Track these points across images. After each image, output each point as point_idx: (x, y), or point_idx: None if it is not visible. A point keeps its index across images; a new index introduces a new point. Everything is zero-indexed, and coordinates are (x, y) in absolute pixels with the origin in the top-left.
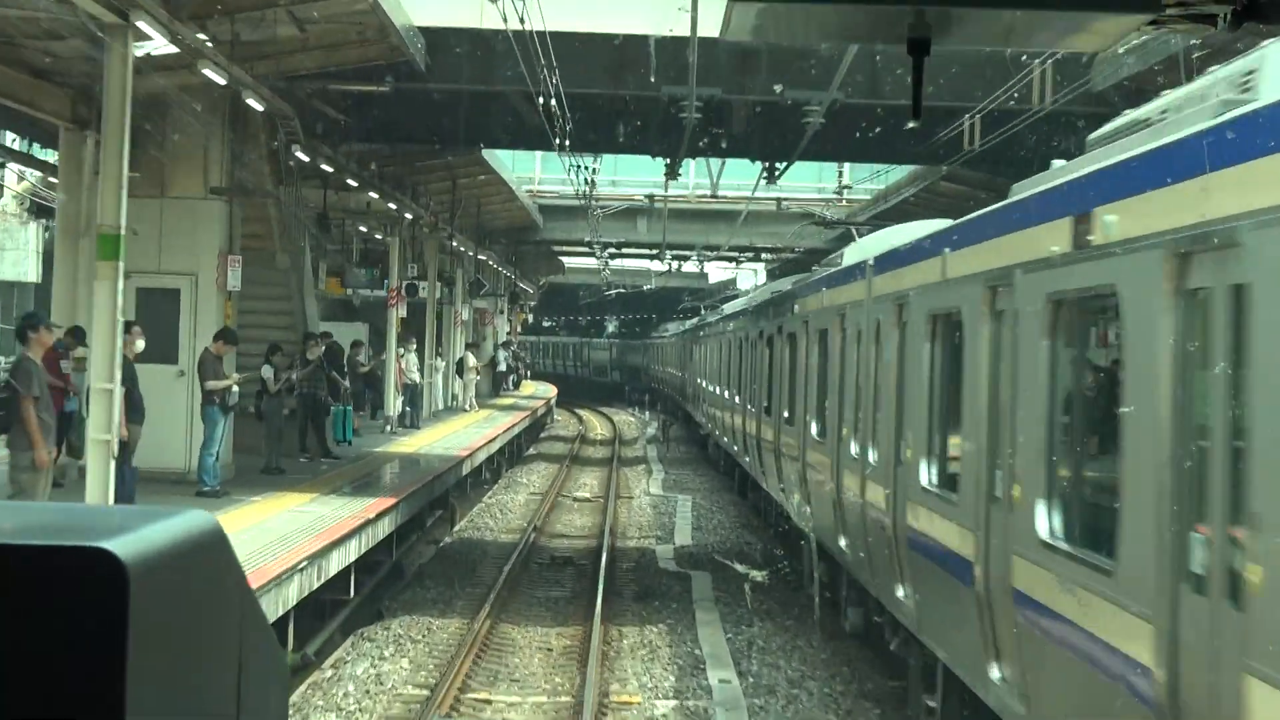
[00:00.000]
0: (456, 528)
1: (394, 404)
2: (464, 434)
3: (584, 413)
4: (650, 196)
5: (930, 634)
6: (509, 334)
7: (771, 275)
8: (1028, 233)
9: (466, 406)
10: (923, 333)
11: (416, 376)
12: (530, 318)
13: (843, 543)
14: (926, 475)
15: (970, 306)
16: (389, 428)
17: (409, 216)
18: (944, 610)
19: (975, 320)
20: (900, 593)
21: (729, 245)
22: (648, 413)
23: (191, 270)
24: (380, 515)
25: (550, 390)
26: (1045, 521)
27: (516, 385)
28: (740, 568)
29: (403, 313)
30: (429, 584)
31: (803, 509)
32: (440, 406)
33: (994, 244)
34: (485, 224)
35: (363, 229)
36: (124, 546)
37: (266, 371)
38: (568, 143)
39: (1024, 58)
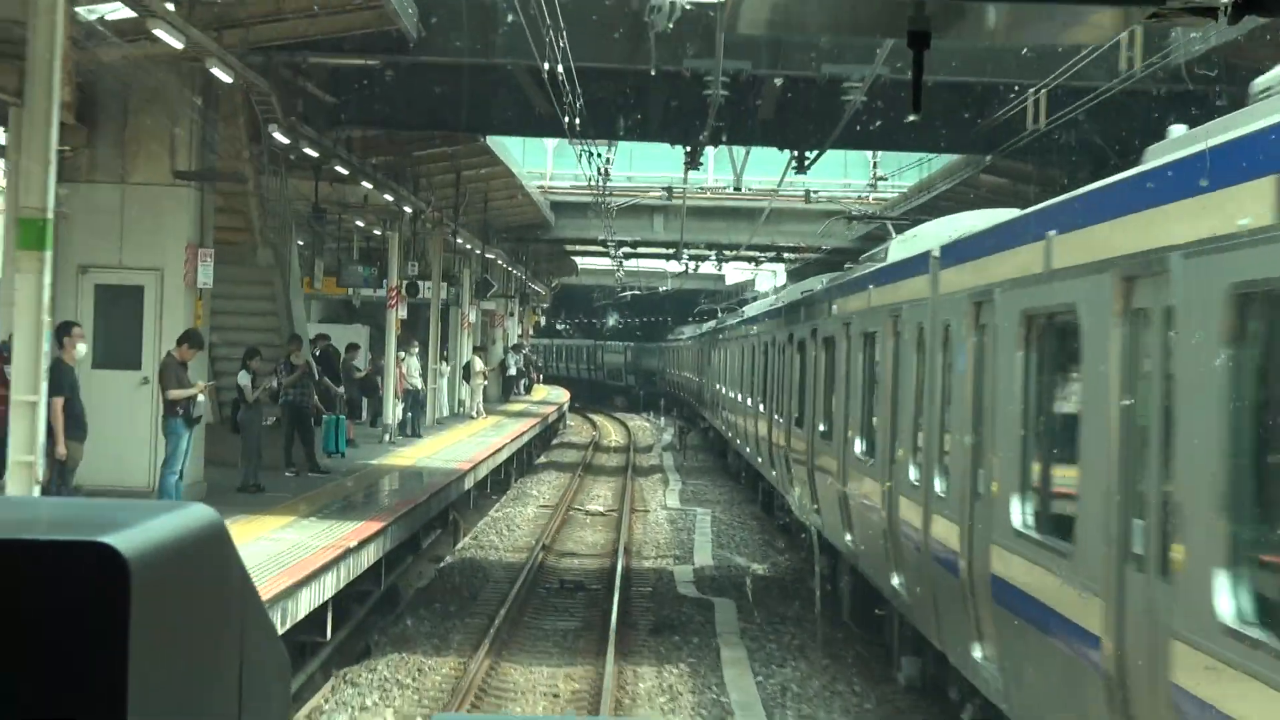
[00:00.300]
0: (460, 545)
1: (394, 411)
2: (469, 443)
3: (598, 418)
4: (669, 189)
5: (1026, 713)
6: (520, 337)
7: (793, 277)
8: (1199, 202)
9: (473, 413)
10: (1013, 337)
11: (418, 382)
12: (542, 320)
13: (896, 582)
14: (1020, 515)
15: (1092, 304)
16: (388, 437)
17: (409, 211)
18: (1051, 691)
19: (1101, 322)
20: (978, 653)
21: (749, 244)
22: (663, 418)
23: (157, 265)
24: (365, 542)
25: (563, 395)
26: (1228, 600)
27: (528, 390)
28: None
29: (403, 314)
30: (424, 613)
31: (842, 536)
32: (445, 413)
33: (1132, 221)
34: (493, 220)
35: (360, 224)
36: (125, 541)
37: (243, 378)
38: (578, 125)
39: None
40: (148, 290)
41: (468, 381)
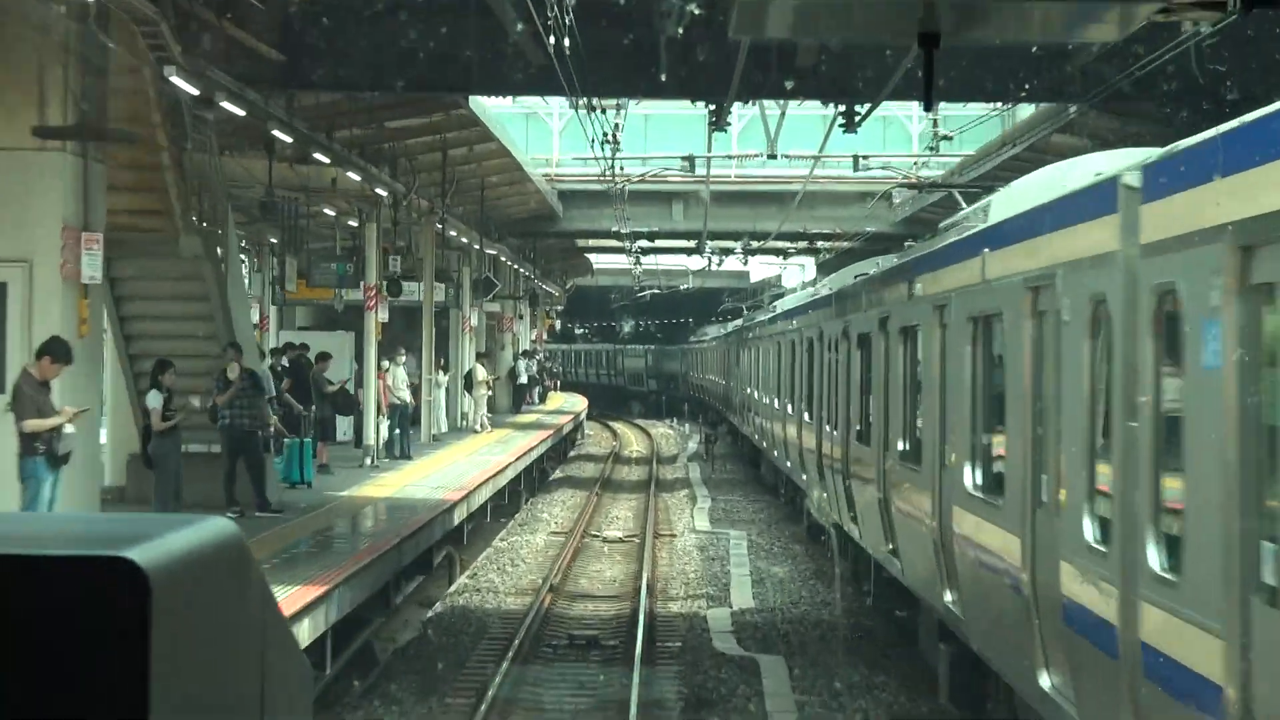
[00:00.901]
0: (456, 584)
1: (377, 430)
2: (466, 464)
3: (619, 426)
4: (689, 158)
5: None
6: (533, 342)
7: (824, 270)
8: None
9: (477, 427)
10: None
11: (406, 395)
12: (557, 324)
13: (1046, 683)
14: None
15: None
16: (371, 460)
17: (386, 195)
18: None
19: None
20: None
21: (779, 232)
22: (687, 424)
23: (22, 255)
24: (296, 617)
25: (579, 403)
26: None
27: (542, 399)
28: None
29: (383, 316)
30: (395, 690)
31: (938, 593)
32: (444, 429)
33: None
34: (493, 211)
35: (331, 213)
36: (145, 555)
37: (153, 399)
38: (579, 82)
39: None
40: (12, 287)
41: (469, 392)
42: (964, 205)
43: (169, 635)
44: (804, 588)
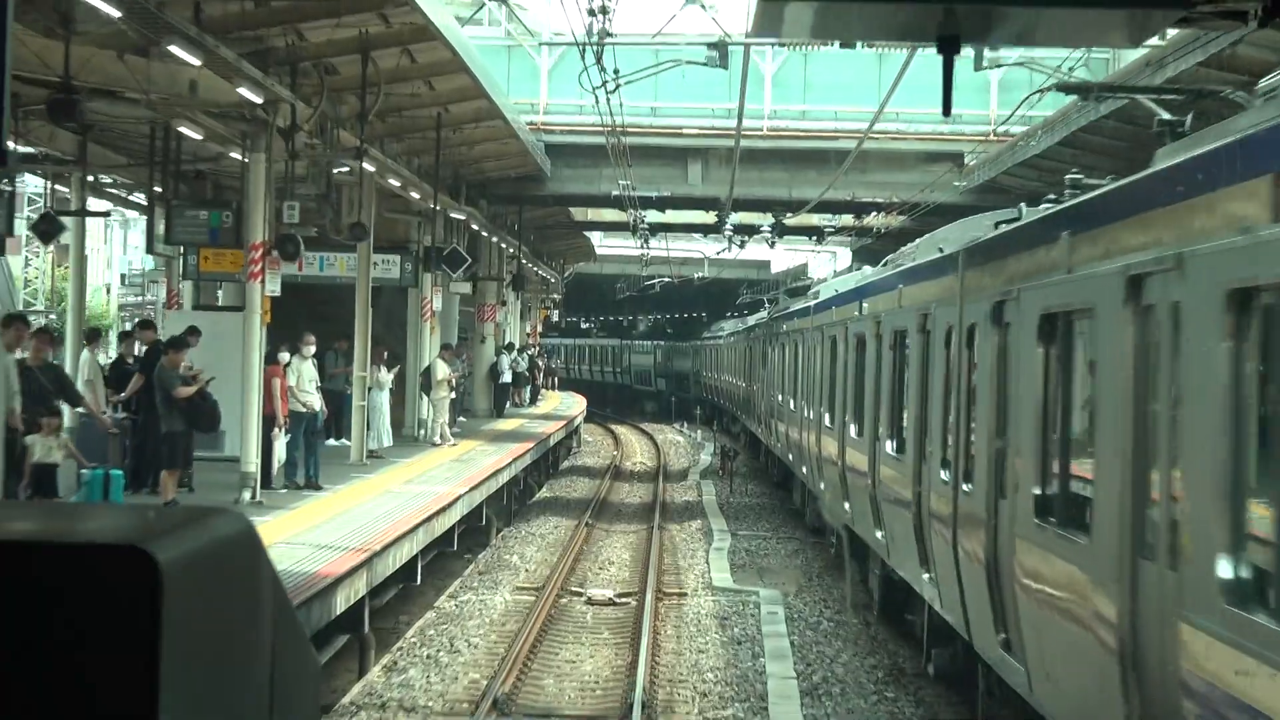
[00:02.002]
0: (361, 685)
1: (263, 449)
2: (394, 500)
3: (621, 430)
4: (719, 45)
5: None
6: (528, 335)
7: (861, 259)
8: None
9: (437, 439)
10: None
11: (314, 400)
12: (554, 315)
13: None
14: None
15: None
16: (249, 495)
17: (263, 109)
18: None
19: None
20: None
21: (820, 201)
22: (699, 430)
23: None
24: None
25: (577, 404)
26: None
27: (533, 399)
28: None
29: (273, 288)
30: None
31: None
32: (387, 442)
33: None
34: (464, 166)
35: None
36: (158, 546)
37: None
38: None
39: None
40: None
41: (427, 395)
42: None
43: (180, 626)
44: (880, 697)
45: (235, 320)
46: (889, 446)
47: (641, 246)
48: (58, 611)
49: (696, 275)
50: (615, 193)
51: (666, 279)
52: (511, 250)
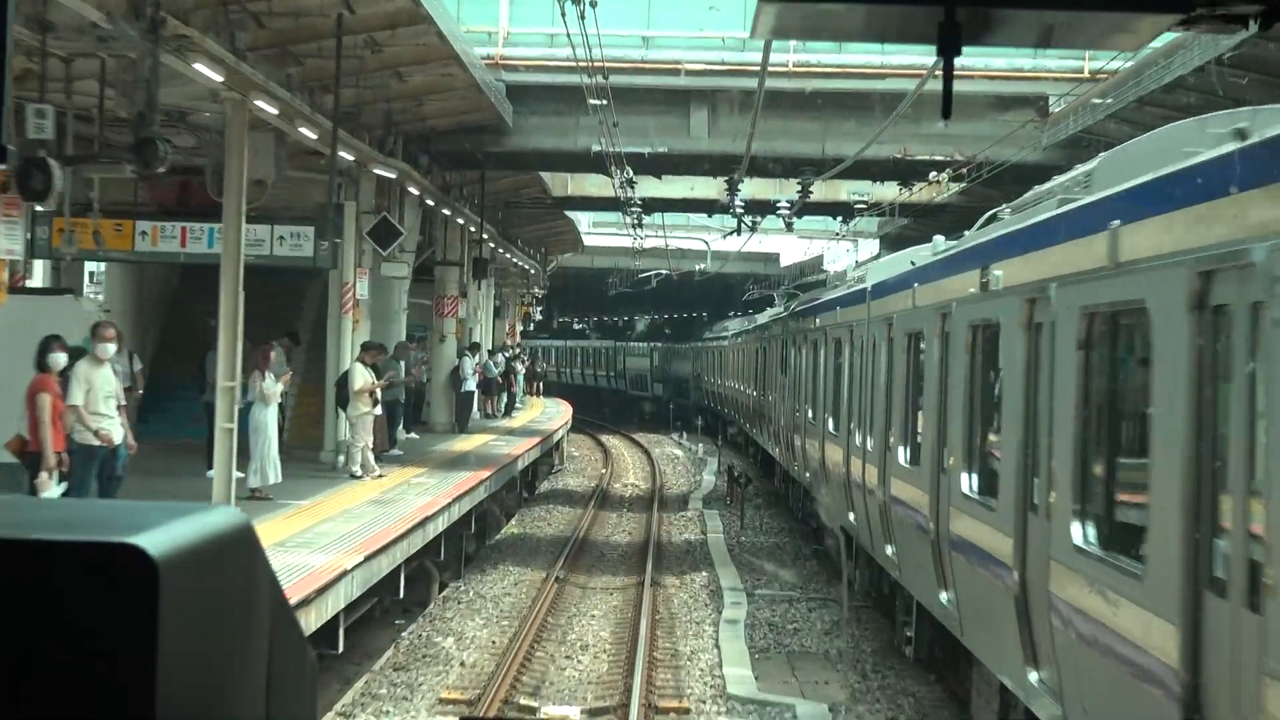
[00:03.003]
0: None
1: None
2: None
3: (612, 442)
4: None
5: None
6: (507, 335)
7: (890, 245)
8: None
9: (356, 469)
10: None
11: (114, 429)
12: (537, 313)
13: None
14: None
15: None
16: None
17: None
18: None
19: None
20: None
21: (856, 158)
22: (700, 444)
23: None
24: None
25: (561, 414)
26: None
27: (509, 410)
28: None
29: (11, 246)
30: None
31: None
32: (274, 478)
33: None
34: (391, 101)
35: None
36: (154, 542)
37: None
38: None
39: None
40: None
41: (342, 410)
42: None
43: (177, 622)
44: None
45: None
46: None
47: (633, 228)
48: (54, 608)
49: (698, 267)
50: (596, 148)
51: (664, 271)
52: (474, 229)
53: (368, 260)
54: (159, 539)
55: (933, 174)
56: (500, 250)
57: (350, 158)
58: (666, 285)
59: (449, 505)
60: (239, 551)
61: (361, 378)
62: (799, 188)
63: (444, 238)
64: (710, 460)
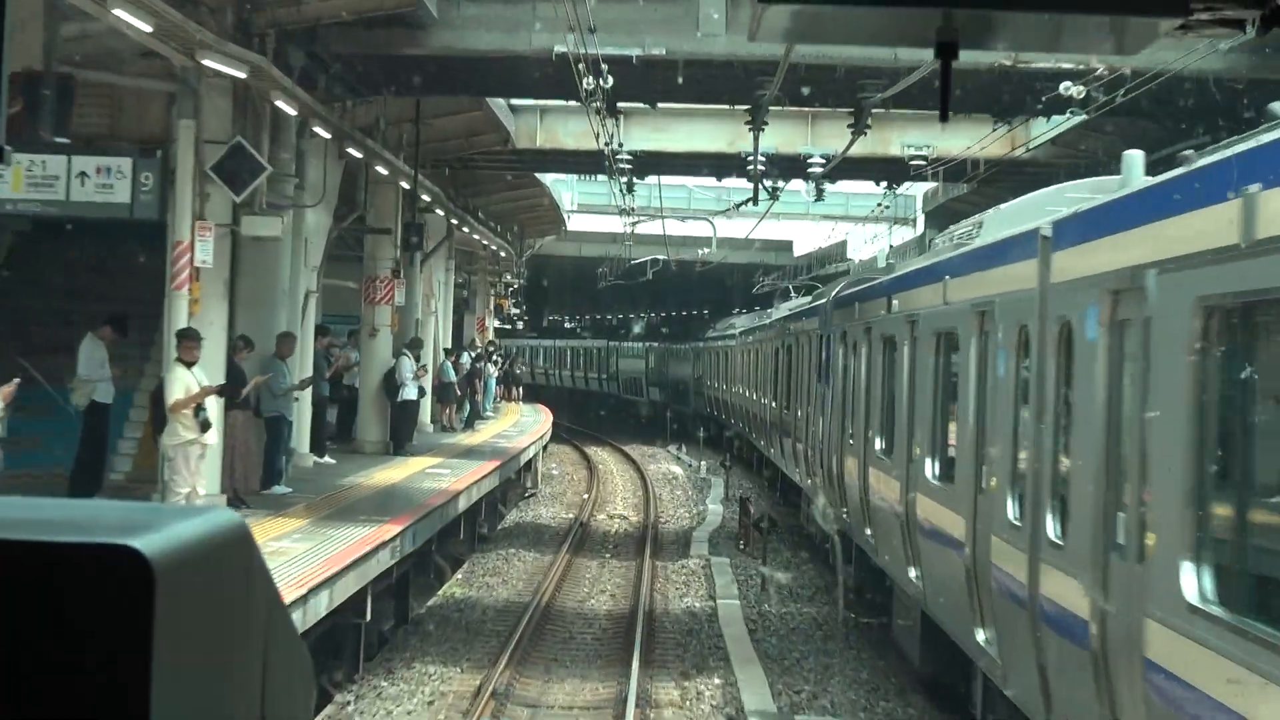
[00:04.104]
0: None
1: None
2: None
3: (600, 456)
4: None
5: None
6: (477, 331)
7: (940, 222)
8: None
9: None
10: None
11: None
12: (512, 306)
13: None
14: None
15: None
16: None
17: None
18: None
19: None
20: None
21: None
22: (703, 459)
23: None
24: None
25: (537, 427)
26: None
27: (471, 422)
28: None
29: None
30: None
31: None
32: None
33: None
34: None
35: None
36: (150, 544)
37: None
38: None
39: None
40: None
41: (158, 436)
42: None
43: (172, 624)
44: None
45: None
46: None
47: (623, 194)
48: (49, 610)
49: (701, 252)
50: (560, 49)
51: (661, 257)
52: (406, 183)
53: (219, 211)
54: (155, 541)
55: (1068, 88)
56: (455, 223)
57: (185, 56)
58: (664, 277)
59: (307, 596)
60: (235, 553)
61: (183, 383)
62: (851, 122)
63: (367, 198)
64: (715, 481)
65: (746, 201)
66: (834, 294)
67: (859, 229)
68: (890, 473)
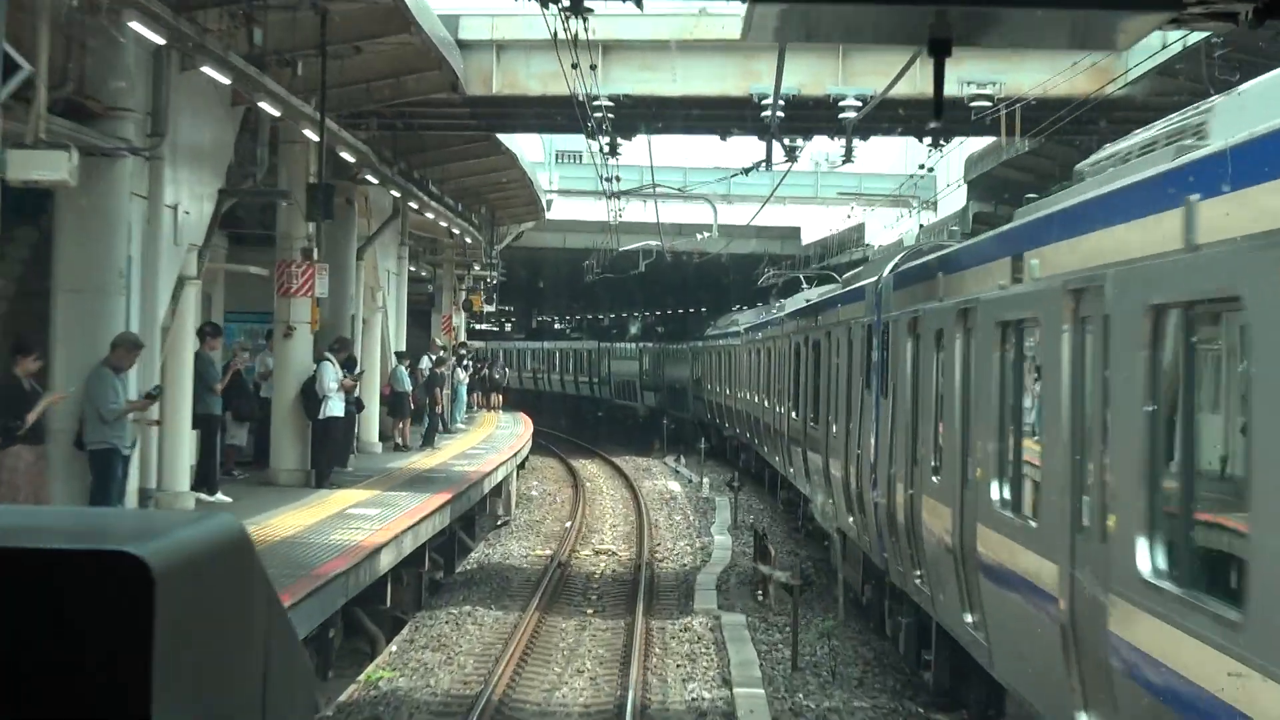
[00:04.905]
0: None
1: None
2: None
3: (588, 470)
4: None
5: None
6: (442, 331)
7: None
8: None
9: None
10: None
11: None
12: (486, 303)
13: None
14: None
15: None
16: None
17: None
18: None
19: None
20: None
21: None
22: (705, 474)
23: None
24: None
25: (511, 442)
26: None
27: (430, 438)
28: None
29: None
30: None
31: None
32: None
33: None
34: None
35: None
36: (150, 551)
37: None
38: None
39: None
40: None
41: None
42: None
43: (172, 631)
44: None
45: None
46: None
47: (604, 154)
48: (50, 616)
49: (700, 236)
50: None
51: (654, 243)
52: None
53: None
54: (155, 547)
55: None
56: (399, 196)
57: None
58: (658, 271)
59: None
60: (235, 560)
61: None
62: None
63: (263, 154)
64: (720, 502)
65: (758, 165)
66: (892, 268)
67: (874, 214)
68: (1027, 540)
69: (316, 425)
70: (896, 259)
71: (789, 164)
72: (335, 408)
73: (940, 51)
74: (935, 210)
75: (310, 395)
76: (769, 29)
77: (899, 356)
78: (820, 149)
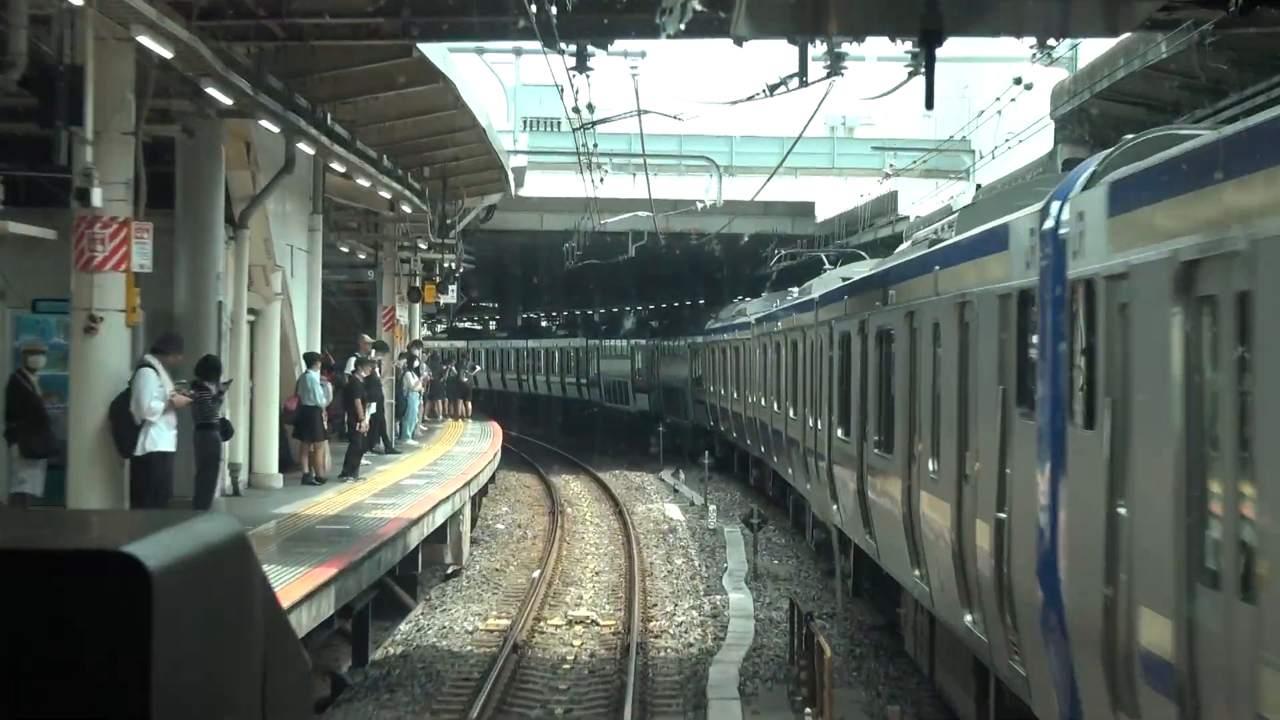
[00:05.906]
0: None
1: None
2: None
3: (569, 490)
4: None
5: None
6: (383, 328)
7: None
8: None
9: None
10: None
11: None
12: (443, 294)
13: None
14: None
15: None
16: None
17: None
18: None
19: None
20: None
21: None
22: (711, 499)
23: None
24: None
25: (468, 465)
26: None
27: (353, 468)
28: None
29: None
30: None
31: None
32: None
33: None
34: None
35: None
36: (147, 551)
37: None
38: None
39: None
40: None
41: None
42: None
43: (171, 630)
44: None
45: None
46: None
47: (571, 73)
48: (50, 617)
49: (699, 204)
50: None
51: (644, 214)
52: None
53: None
54: (153, 548)
55: None
56: (279, 130)
57: None
58: (650, 256)
59: None
60: (233, 560)
61: None
62: None
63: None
64: (730, 535)
65: (789, 79)
66: (1091, 174)
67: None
68: None
69: (135, 465)
70: (1106, 154)
71: (829, 79)
72: (160, 438)
73: (931, 42)
74: (970, 177)
75: (123, 419)
76: (759, 23)
77: (1128, 345)
78: (837, 110)
